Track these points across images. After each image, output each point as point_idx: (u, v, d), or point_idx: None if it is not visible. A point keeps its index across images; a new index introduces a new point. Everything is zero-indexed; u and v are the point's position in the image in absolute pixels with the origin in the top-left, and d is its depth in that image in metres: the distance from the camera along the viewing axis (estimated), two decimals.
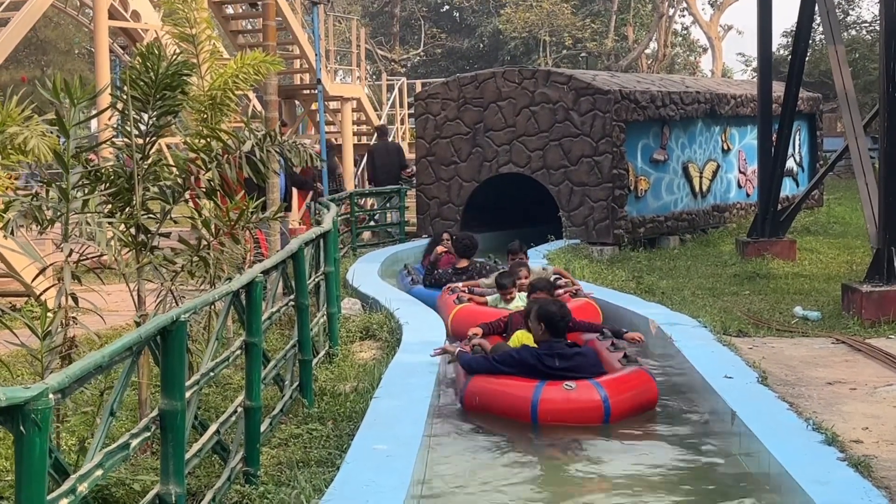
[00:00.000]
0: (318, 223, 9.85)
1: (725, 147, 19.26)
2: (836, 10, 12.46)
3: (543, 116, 16.54)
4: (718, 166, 19.03)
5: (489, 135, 17.09)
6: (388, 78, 25.01)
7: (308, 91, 20.42)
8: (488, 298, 10.37)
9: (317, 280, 8.75)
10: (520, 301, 9.85)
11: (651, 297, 11.36)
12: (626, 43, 43.59)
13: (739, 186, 19.79)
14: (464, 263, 12.07)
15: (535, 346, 7.56)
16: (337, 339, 9.15)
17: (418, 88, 24.49)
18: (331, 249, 9.17)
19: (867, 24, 41.14)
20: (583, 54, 44.41)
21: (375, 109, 23.43)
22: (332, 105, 22.09)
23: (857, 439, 6.15)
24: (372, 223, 18.96)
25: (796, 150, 21.25)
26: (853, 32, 40.58)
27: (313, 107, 20.34)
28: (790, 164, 20.05)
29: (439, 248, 13.08)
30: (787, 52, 32.14)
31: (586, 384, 7.09)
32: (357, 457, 5.72)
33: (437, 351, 8.17)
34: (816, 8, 13.93)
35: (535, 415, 7.01)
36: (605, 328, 8.66)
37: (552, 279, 10.39)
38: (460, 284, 11.13)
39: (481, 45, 46.14)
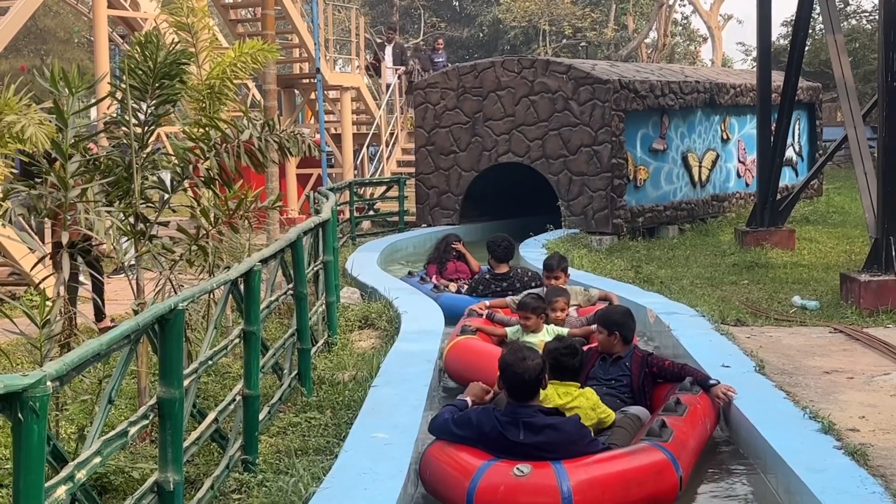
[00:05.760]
0: (318, 212, 9.86)
1: (725, 136, 19.26)
2: (836, 0, 12.45)
3: (542, 106, 16.53)
4: (718, 156, 19.04)
5: (488, 124, 17.09)
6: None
7: (307, 80, 20.40)
8: (508, 330, 8.15)
9: (315, 269, 8.77)
10: (546, 335, 7.66)
11: (650, 286, 11.37)
12: (625, 32, 43.51)
13: (738, 176, 19.79)
14: (503, 269, 10.55)
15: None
16: (336, 327, 9.17)
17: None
18: (329, 238, 9.19)
19: (867, 14, 41.07)
20: (582, 44, 44.34)
21: (375, 99, 23.42)
22: (332, 94, 22.08)
23: (853, 428, 6.16)
24: (371, 213, 18.96)
25: (795, 140, 21.26)
26: (853, 22, 40.48)
27: (312, 96, 20.34)
28: (789, 153, 20.06)
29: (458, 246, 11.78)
30: (786, 42, 32.07)
31: (546, 469, 5.21)
32: (355, 445, 5.74)
33: None
34: None
35: None
36: (693, 374, 6.70)
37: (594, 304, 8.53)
38: (487, 302, 9.15)
39: (481, 35, 46.07)
